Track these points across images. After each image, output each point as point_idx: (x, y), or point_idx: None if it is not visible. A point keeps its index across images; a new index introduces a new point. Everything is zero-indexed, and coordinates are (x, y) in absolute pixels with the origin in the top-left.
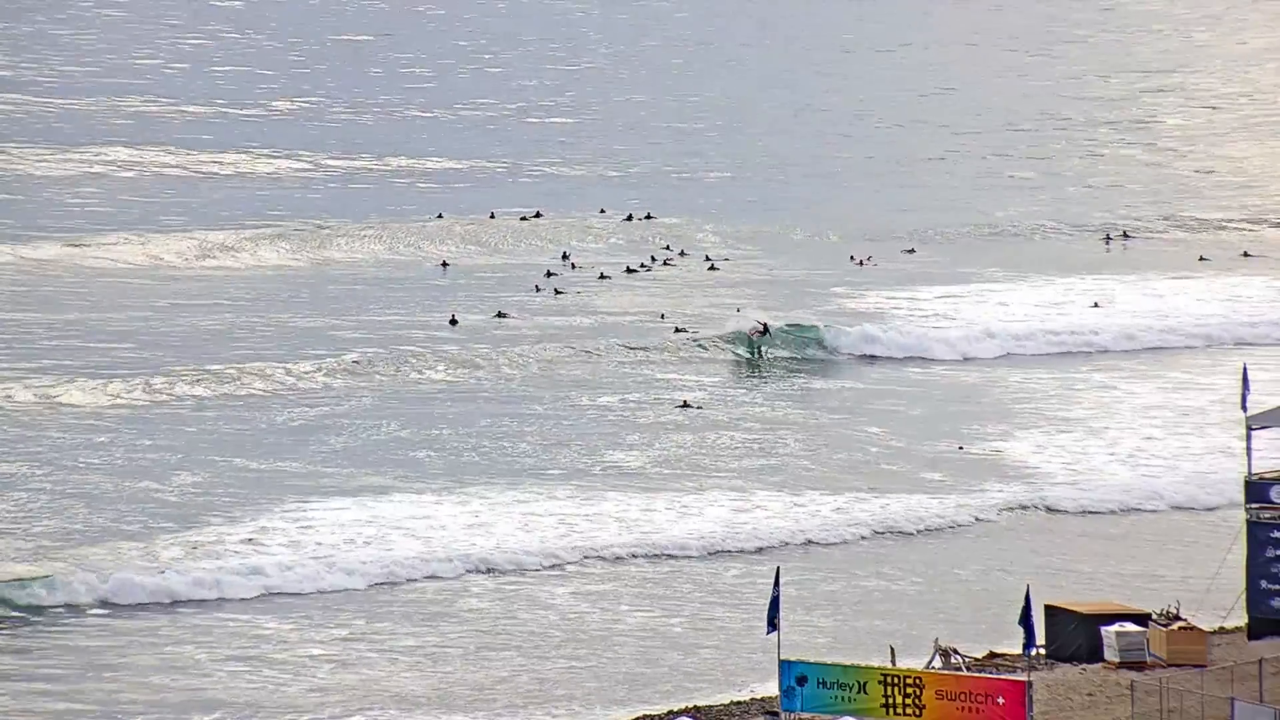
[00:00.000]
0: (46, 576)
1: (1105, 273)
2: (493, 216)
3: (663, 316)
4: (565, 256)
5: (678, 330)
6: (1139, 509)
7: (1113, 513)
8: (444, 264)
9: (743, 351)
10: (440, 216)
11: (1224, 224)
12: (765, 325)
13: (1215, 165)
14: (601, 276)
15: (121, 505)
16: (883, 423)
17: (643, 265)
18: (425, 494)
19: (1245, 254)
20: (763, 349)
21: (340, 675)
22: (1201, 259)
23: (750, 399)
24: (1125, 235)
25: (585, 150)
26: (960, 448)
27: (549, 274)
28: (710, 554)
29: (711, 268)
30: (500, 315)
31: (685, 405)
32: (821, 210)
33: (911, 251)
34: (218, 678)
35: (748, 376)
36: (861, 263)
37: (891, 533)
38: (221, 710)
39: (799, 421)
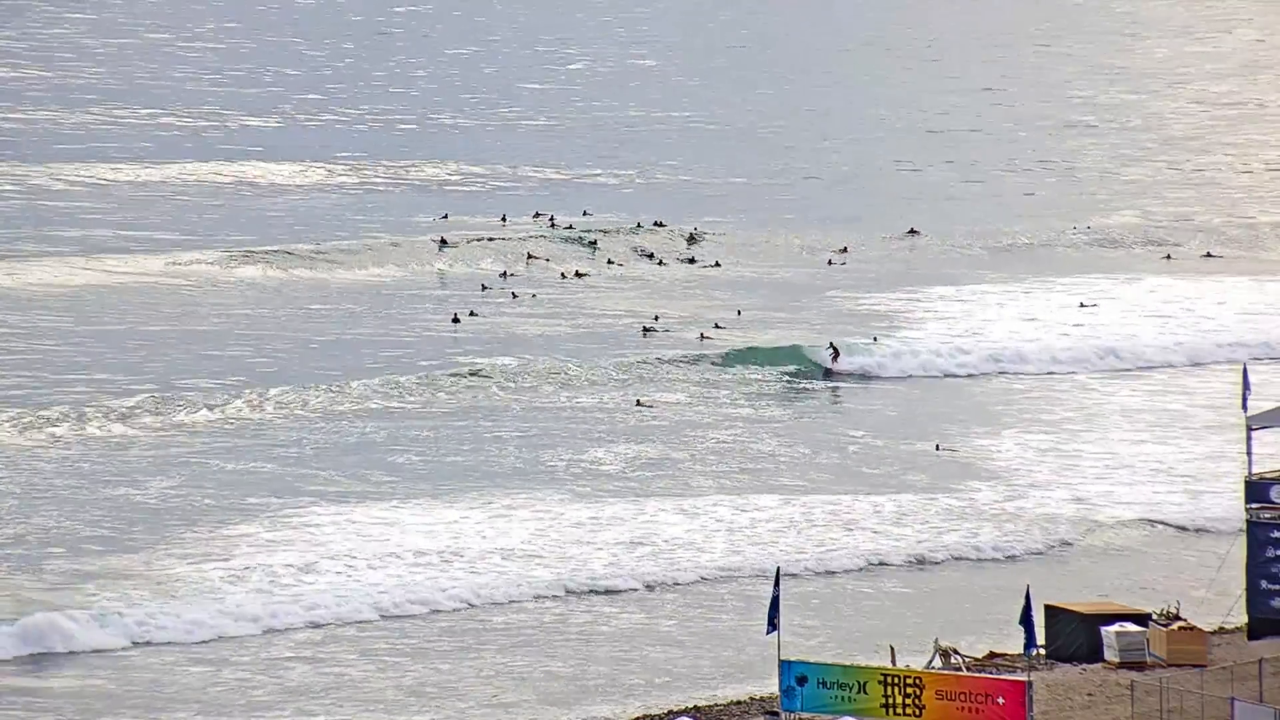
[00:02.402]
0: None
1: (1091, 273)
2: (504, 220)
3: (656, 319)
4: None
5: (647, 331)
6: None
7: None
8: (441, 241)
9: (815, 370)
10: (445, 217)
11: (1187, 223)
12: (836, 349)
13: (1182, 166)
14: (563, 276)
15: (102, 526)
16: (866, 425)
17: (610, 262)
18: (403, 500)
19: (1208, 254)
20: (832, 369)
21: (311, 676)
22: (1168, 257)
23: (731, 399)
24: (1089, 228)
25: (601, 155)
26: (938, 448)
27: (505, 274)
28: (706, 572)
29: (716, 264)
30: (472, 314)
31: (639, 404)
32: (820, 211)
33: (914, 233)
34: (183, 678)
35: (721, 378)
36: (831, 261)
37: (890, 536)
38: (190, 709)
39: (785, 421)
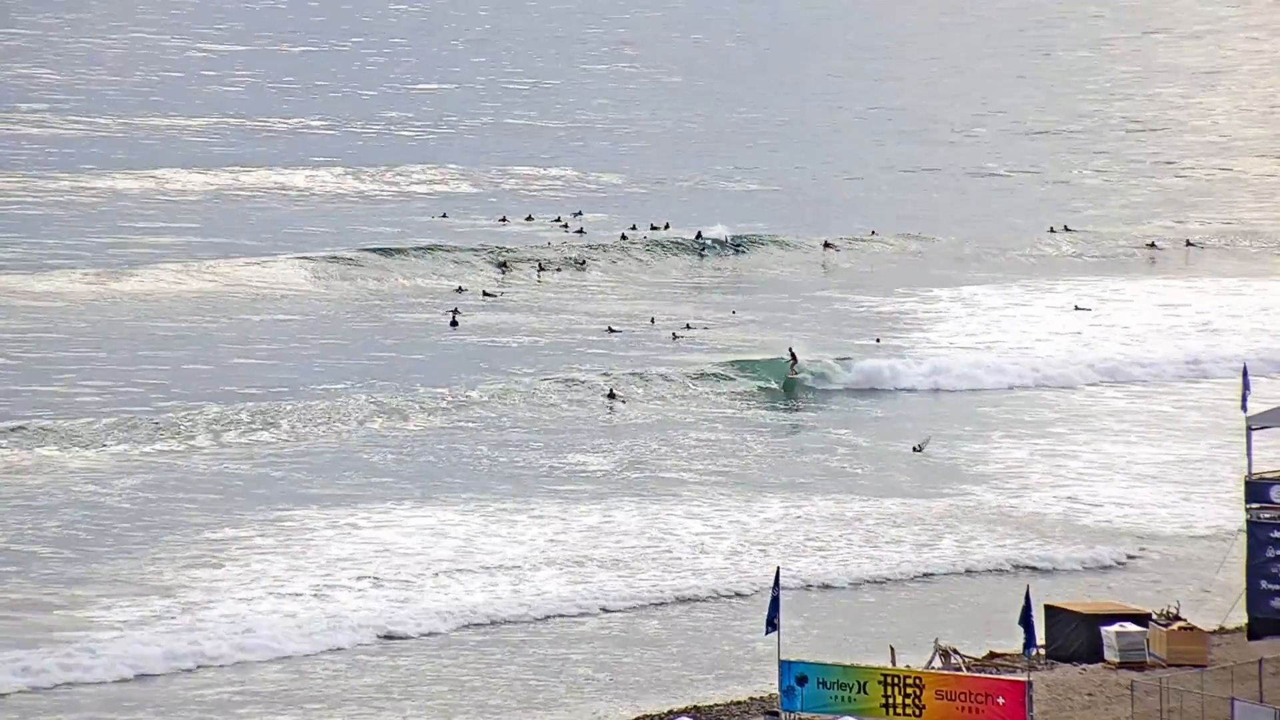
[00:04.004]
0: None
1: (1088, 275)
2: (504, 220)
3: (652, 320)
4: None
5: (610, 330)
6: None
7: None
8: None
9: (774, 384)
10: (444, 216)
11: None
12: (794, 354)
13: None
14: (537, 272)
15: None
16: (831, 432)
17: (555, 267)
18: (397, 507)
19: (1188, 242)
20: (793, 379)
21: (288, 677)
22: (1152, 245)
23: (689, 404)
24: (1066, 229)
25: (597, 157)
26: (915, 449)
27: (503, 266)
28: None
29: (703, 250)
30: (456, 315)
31: (612, 395)
32: (826, 211)
33: (920, 236)
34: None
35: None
36: (827, 244)
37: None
38: (148, 708)
39: (768, 423)
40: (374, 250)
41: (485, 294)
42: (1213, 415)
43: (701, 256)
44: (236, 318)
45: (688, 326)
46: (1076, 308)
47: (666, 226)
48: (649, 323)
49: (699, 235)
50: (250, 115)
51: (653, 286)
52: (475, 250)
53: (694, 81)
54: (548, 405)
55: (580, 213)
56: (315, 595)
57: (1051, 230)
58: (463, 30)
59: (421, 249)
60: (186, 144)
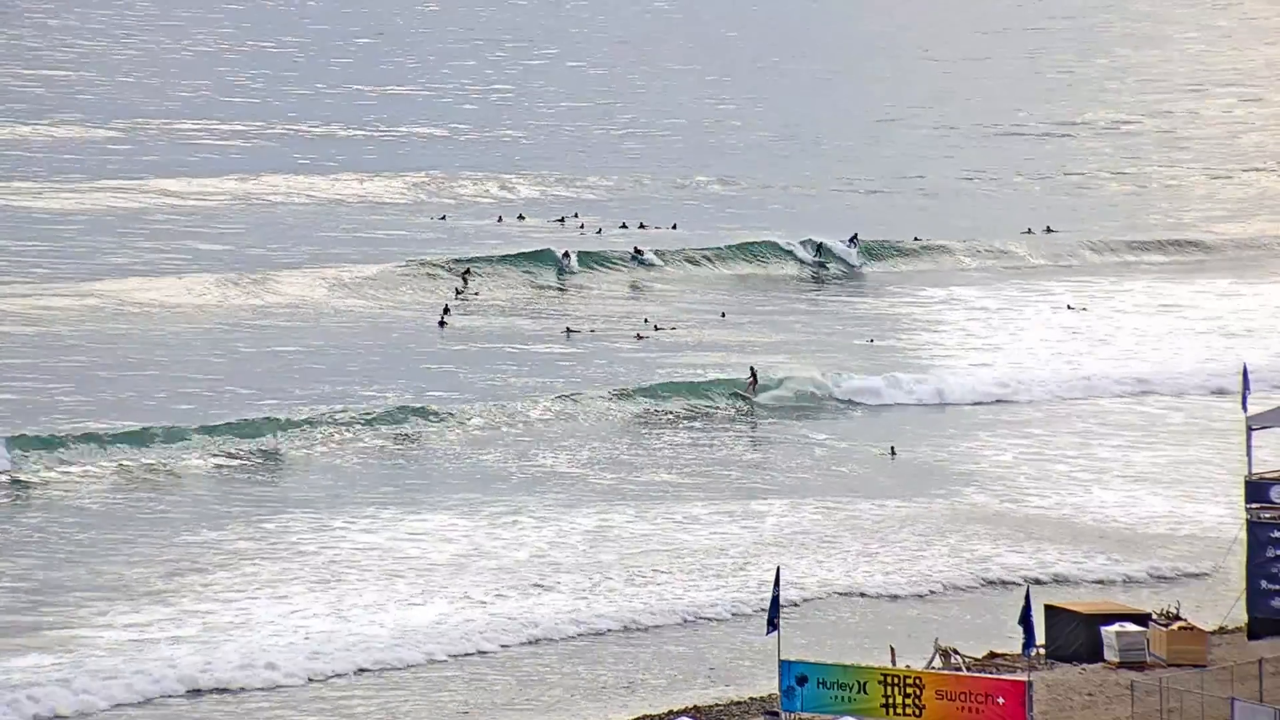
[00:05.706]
0: None
1: (1082, 276)
2: (500, 220)
3: (646, 321)
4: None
5: (570, 331)
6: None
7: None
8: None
9: (737, 403)
10: (444, 218)
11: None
12: (754, 373)
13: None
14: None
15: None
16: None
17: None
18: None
19: (1188, 240)
20: (753, 398)
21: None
22: (1156, 242)
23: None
24: (1048, 229)
25: (594, 159)
26: (893, 451)
27: (565, 258)
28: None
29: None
30: (447, 315)
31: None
32: (828, 212)
33: (916, 239)
34: None
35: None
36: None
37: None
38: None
39: (759, 428)
40: (370, 253)
41: (458, 293)
42: (1210, 416)
43: (823, 267)
44: (225, 323)
45: (656, 328)
46: (1069, 307)
47: (674, 227)
48: (643, 321)
49: (819, 247)
50: (247, 118)
51: (646, 288)
52: (471, 253)
53: (687, 81)
54: (522, 411)
55: (577, 213)
56: (330, 610)
57: (1029, 231)
58: (463, 31)
59: (415, 251)
60: (181, 148)
